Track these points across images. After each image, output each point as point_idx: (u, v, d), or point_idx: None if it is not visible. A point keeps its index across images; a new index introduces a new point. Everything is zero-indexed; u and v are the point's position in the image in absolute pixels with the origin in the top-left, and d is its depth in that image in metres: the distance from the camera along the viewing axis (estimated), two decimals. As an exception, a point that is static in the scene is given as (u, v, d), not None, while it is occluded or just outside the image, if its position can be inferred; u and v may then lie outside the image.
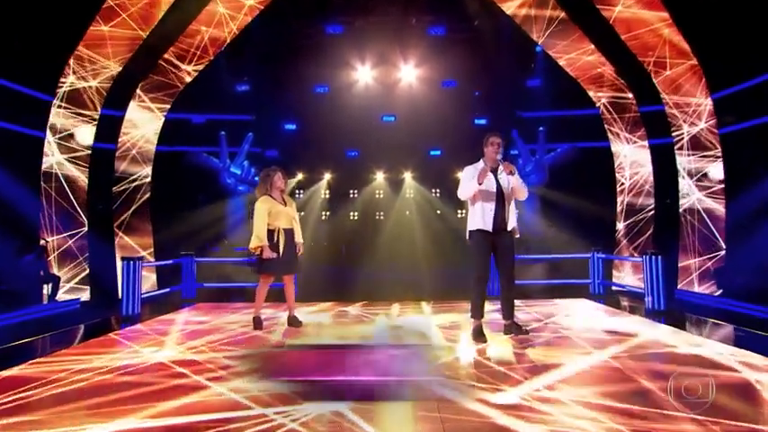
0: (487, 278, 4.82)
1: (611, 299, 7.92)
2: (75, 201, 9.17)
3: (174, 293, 8.63)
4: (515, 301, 4.97)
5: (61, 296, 8.41)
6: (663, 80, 8.68)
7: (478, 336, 4.73)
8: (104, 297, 8.86)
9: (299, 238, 5.46)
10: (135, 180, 10.18)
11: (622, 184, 10.15)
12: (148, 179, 10.25)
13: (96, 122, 9.29)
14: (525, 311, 6.38)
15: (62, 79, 8.67)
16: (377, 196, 13.37)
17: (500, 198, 4.70)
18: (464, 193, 4.71)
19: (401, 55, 11.63)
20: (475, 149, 4.96)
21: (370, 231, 13.00)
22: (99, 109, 9.27)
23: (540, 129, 11.33)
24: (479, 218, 4.68)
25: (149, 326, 5.74)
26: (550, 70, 10.53)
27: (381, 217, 13.44)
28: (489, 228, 4.67)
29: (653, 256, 7.01)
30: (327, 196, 13.29)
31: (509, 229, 4.76)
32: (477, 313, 4.79)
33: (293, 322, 5.54)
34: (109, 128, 9.50)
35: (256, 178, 11.89)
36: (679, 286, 8.66)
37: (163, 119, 10.28)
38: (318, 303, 7.30)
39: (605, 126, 10.19)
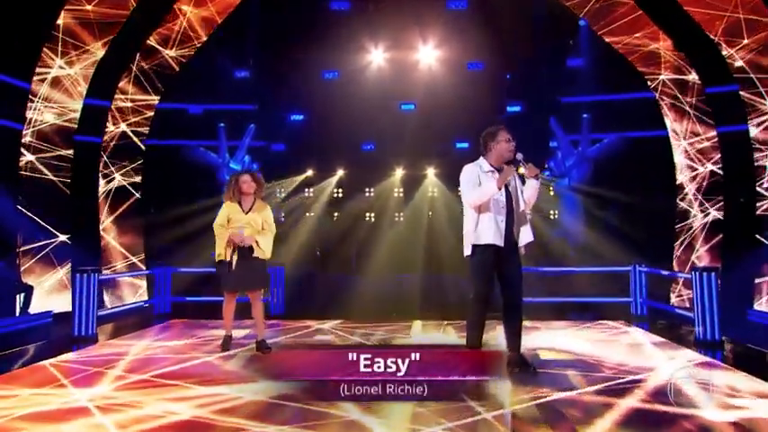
0: (489, 301, 4.25)
1: (659, 324, 6.87)
2: (56, 200, 8.76)
3: (147, 308, 8.15)
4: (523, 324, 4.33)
5: (40, 306, 7.99)
6: (734, 54, 7.74)
7: None
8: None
9: (260, 251, 4.94)
10: (123, 177, 9.78)
11: (694, 171, 9.12)
12: (139, 176, 9.87)
13: (79, 113, 8.85)
14: (545, 337, 5.62)
15: (39, 66, 8.24)
16: (395, 195, 12.61)
17: (509, 207, 4.17)
18: (480, 196, 4.09)
19: (418, 34, 10.83)
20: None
21: (387, 235, 12.23)
22: (82, 98, 8.84)
23: (584, 116, 10.45)
24: (491, 231, 4.10)
25: (98, 350, 5.17)
26: (595, 47, 9.76)
27: (400, 218, 12.66)
28: (501, 242, 4.11)
29: (704, 273, 5.83)
30: (339, 195, 12.59)
31: (521, 244, 4.21)
32: (475, 341, 4.21)
33: (261, 347, 5.03)
34: (93, 119, 9.04)
35: (259, 174, 11.38)
36: (755, 306, 7.56)
37: (154, 109, 9.84)
38: (321, 321, 6.77)
39: (662, 112, 9.38)
